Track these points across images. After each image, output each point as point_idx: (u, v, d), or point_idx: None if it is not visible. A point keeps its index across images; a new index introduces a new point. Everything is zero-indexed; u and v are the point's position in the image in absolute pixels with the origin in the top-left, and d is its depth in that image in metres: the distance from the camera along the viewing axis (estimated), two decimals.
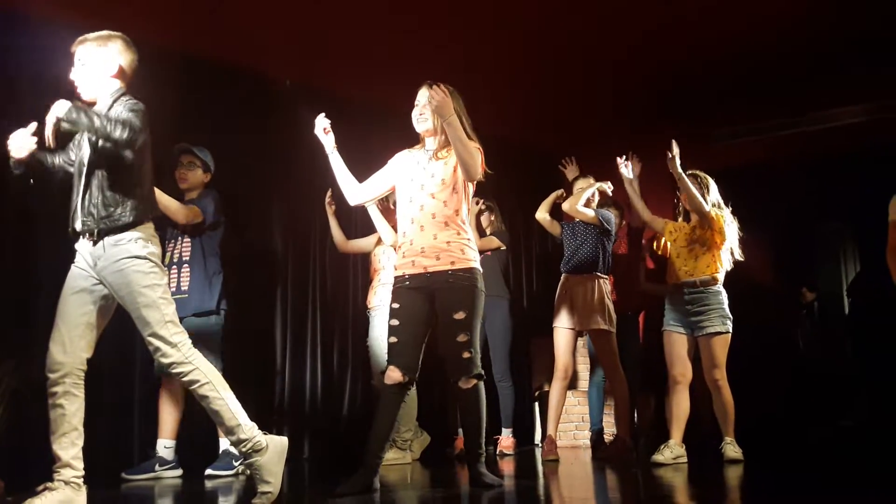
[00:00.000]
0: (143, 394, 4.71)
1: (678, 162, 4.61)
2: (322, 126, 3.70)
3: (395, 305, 3.53)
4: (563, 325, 5.22)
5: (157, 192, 4.29)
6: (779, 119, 6.76)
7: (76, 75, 3.11)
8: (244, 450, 2.98)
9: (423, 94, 3.64)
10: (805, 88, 6.50)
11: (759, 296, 6.36)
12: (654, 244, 5.34)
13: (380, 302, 5.14)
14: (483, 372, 3.52)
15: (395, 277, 3.61)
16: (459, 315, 3.45)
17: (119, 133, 2.85)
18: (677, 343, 4.71)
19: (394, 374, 3.45)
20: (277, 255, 5.86)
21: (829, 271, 7.82)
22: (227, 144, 5.52)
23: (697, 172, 4.86)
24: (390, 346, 3.50)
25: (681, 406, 4.67)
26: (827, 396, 6.94)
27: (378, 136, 6.04)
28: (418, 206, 3.58)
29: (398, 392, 3.47)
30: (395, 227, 4.95)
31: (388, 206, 4.98)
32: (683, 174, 4.64)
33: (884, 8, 5.35)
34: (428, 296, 3.51)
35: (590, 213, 5.15)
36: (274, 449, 3.00)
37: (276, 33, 5.35)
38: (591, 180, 5.31)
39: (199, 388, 2.97)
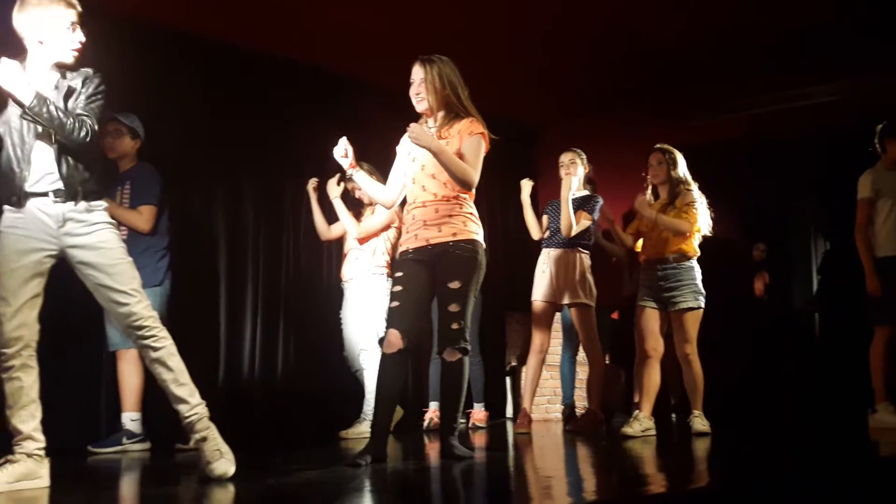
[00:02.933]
0: (111, 366, 4.66)
1: (646, 204, 4.68)
2: (342, 151, 3.65)
3: (399, 274, 3.56)
4: (541, 299, 5.24)
5: (117, 209, 4.29)
6: (752, 97, 6.77)
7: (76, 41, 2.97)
8: (204, 411, 2.98)
9: (418, 72, 3.58)
10: (777, 67, 6.51)
11: (727, 270, 6.41)
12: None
13: (353, 275, 5.12)
14: (469, 347, 3.51)
15: (399, 252, 3.64)
16: (454, 284, 3.45)
17: (77, 134, 2.85)
18: (650, 318, 4.72)
19: (392, 339, 3.44)
20: (248, 228, 5.79)
21: (799, 248, 7.88)
22: (197, 115, 5.47)
23: (666, 147, 4.86)
24: (391, 310, 3.51)
25: (651, 380, 4.69)
26: (796, 370, 7.02)
27: (365, 112, 6.03)
28: (420, 186, 3.59)
29: (398, 359, 3.46)
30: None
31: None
32: (659, 216, 4.66)
33: None
34: (430, 267, 3.51)
35: (586, 223, 5.21)
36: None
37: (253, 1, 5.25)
38: (577, 154, 5.33)
39: (171, 346, 2.96)
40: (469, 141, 3.53)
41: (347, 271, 5.18)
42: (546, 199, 5.75)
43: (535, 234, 5.43)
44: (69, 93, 2.95)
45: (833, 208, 6.58)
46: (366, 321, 4.98)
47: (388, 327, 3.50)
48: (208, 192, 5.61)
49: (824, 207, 7.16)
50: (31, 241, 2.91)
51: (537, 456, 4.07)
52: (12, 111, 2.94)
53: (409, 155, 3.65)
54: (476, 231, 3.57)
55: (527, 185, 5.44)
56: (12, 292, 2.87)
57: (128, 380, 4.44)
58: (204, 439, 2.95)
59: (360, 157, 3.84)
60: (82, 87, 2.97)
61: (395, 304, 3.50)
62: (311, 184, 5.25)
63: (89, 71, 3.00)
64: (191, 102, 5.41)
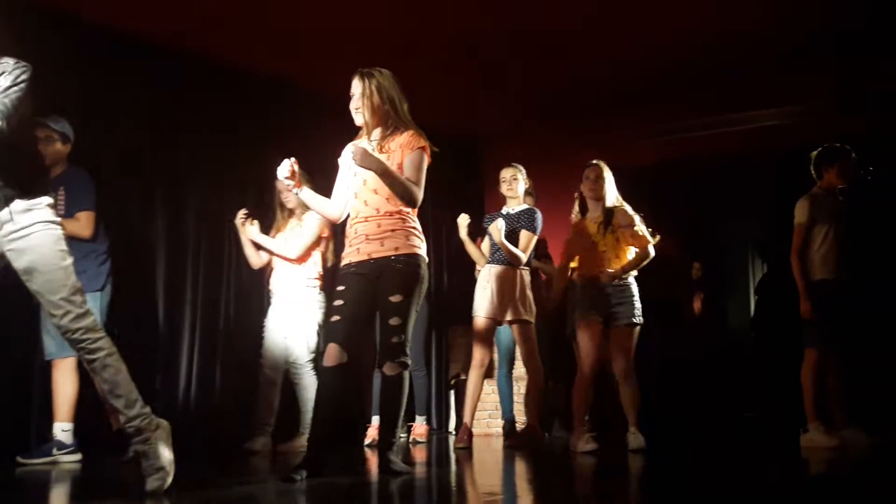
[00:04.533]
0: (42, 374, 4.55)
1: (611, 273, 4.70)
2: (286, 171, 3.56)
3: (341, 288, 3.52)
4: (483, 315, 5.25)
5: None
6: (693, 119, 6.92)
7: None
8: (142, 424, 2.85)
9: (357, 86, 3.57)
10: (722, 90, 6.67)
11: (666, 288, 6.52)
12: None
13: (282, 286, 5.09)
14: (409, 361, 3.50)
15: (342, 266, 3.60)
16: (395, 298, 3.44)
17: None
18: (594, 334, 4.75)
19: (332, 353, 3.41)
20: (189, 235, 5.69)
21: (737, 269, 8.05)
22: (135, 119, 5.37)
23: (601, 163, 4.90)
24: (332, 324, 3.49)
25: (590, 396, 4.74)
26: (731, 389, 7.15)
27: (306, 118, 5.97)
28: (362, 201, 3.56)
29: (337, 373, 3.43)
30: None
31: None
32: (625, 267, 4.73)
33: (798, 16, 5.53)
34: (372, 281, 3.49)
35: (530, 242, 5.25)
36: (163, 429, 2.91)
37: (207, 7, 5.17)
38: (518, 170, 5.38)
39: (106, 357, 2.85)
40: (411, 156, 3.52)
41: (276, 282, 5.12)
42: (493, 210, 5.78)
43: (482, 263, 5.43)
44: None
45: (771, 230, 6.73)
46: (297, 334, 4.93)
47: (328, 341, 3.47)
48: (147, 198, 5.50)
49: (762, 228, 7.33)
50: None
51: (477, 472, 4.07)
52: None
53: (351, 169, 3.63)
54: (419, 245, 3.56)
55: (463, 224, 5.38)
56: None
57: (62, 389, 4.33)
58: (140, 453, 2.87)
59: (302, 165, 3.78)
60: None
61: (336, 318, 3.48)
62: (240, 218, 5.11)
63: (9, 62, 2.82)
64: (128, 106, 5.31)
